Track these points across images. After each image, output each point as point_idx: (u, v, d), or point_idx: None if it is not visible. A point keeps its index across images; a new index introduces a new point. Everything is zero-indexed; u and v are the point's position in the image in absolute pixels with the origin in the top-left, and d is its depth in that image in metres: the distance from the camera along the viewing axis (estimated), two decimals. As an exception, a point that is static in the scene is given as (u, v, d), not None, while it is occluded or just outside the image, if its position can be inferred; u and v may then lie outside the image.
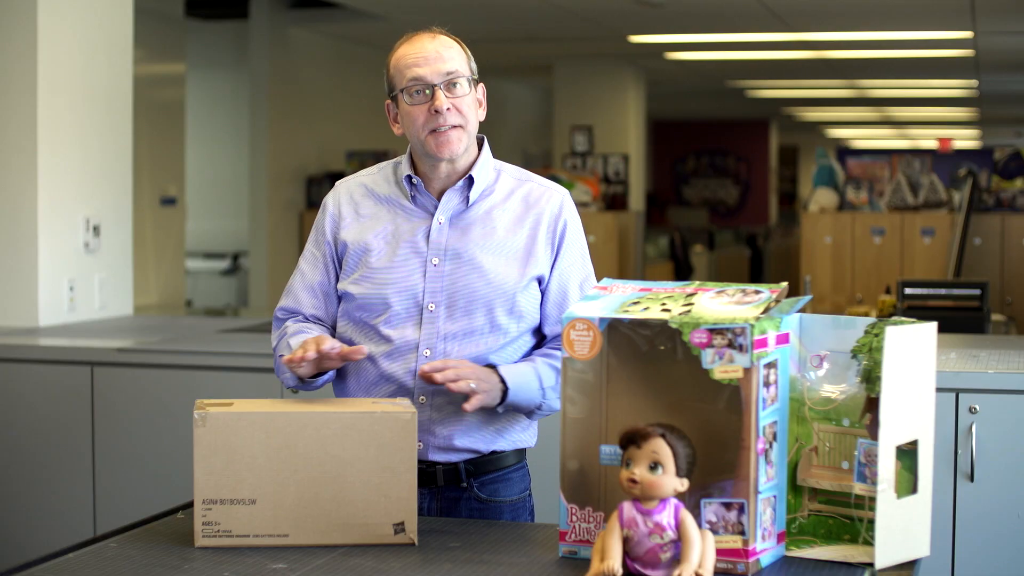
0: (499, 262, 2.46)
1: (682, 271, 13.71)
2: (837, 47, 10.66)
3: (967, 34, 9.53)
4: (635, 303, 2.06)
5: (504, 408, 2.42)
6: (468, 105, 2.46)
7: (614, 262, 9.78)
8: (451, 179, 2.49)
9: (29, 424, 4.14)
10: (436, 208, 2.49)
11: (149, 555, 2.12)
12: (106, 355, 4.12)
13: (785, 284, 2.06)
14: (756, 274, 16.03)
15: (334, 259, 2.54)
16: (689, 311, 1.99)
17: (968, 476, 3.49)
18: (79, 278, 4.84)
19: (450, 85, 2.43)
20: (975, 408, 3.49)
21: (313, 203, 9.65)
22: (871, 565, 1.98)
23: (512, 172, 2.57)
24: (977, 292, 5.45)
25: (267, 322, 5.06)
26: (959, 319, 5.32)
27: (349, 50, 10.47)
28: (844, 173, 8.77)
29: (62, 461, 4.10)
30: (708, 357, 1.94)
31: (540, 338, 2.55)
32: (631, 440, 1.89)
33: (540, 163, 13.14)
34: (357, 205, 2.53)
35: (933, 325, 2.07)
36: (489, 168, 2.53)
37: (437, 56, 2.44)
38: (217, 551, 2.12)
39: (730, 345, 1.93)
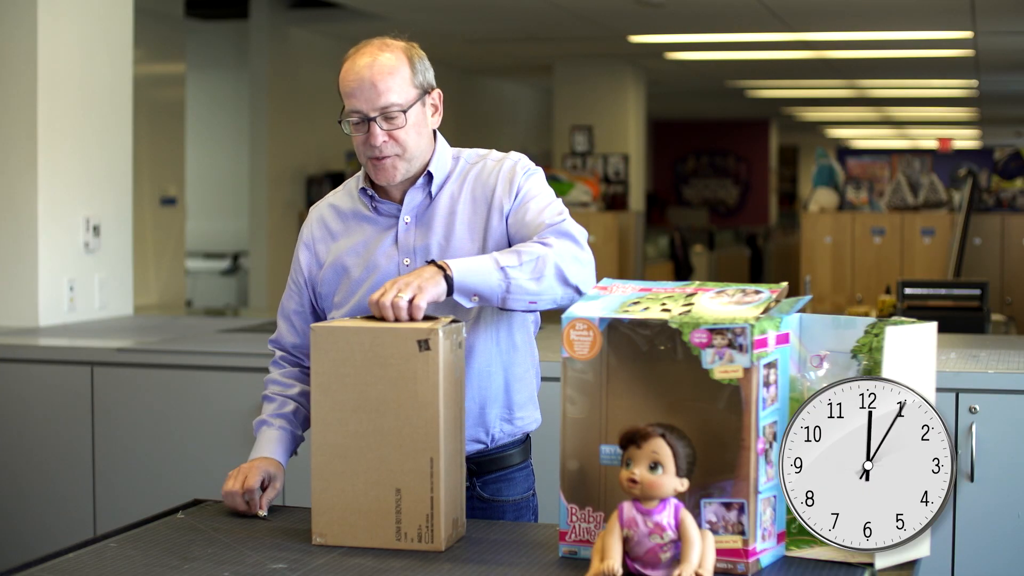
0: (468, 252, 2.45)
1: (682, 271, 13.71)
2: (837, 47, 10.66)
3: (967, 34, 9.54)
4: (635, 303, 2.06)
5: (459, 292, 2.27)
6: (407, 133, 2.41)
7: (614, 262, 9.78)
8: (409, 179, 2.48)
9: (29, 424, 4.14)
10: (398, 211, 2.49)
11: (149, 555, 2.12)
12: (106, 355, 4.12)
13: (785, 284, 2.06)
14: (756, 274, 16.04)
15: (309, 285, 2.57)
16: (689, 311, 1.99)
17: (968, 476, 3.49)
18: (79, 278, 4.84)
19: (386, 117, 2.40)
20: (975, 408, 3.49)
21: (313, 203, 9.65)
22: (871, 565, 1.98)
23: (469, 156, 2.55)
24: (977, 292, 5.45)
25: (267, 322, 5.06)
26: (959, 319, 5.32)
27: (349, 50, 10.46)
28: (844, 173, 8.77)
29: (62, 461, 4.10)
30: (708, 357, 1.94)
31: None
32: (631, 440, 1.89)
33: (540, 163, 13.10)
34: (328, 227, 2.55)
35: (933, 325, 2.07)
36: (447, 158, 2.52)
37: (372, 87, 2.39)
38: (216, 551, 2.12)
39: (730, 345, 1.93)
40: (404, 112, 2.40)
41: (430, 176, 2.48)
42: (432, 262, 2.28)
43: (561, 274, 2.31)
